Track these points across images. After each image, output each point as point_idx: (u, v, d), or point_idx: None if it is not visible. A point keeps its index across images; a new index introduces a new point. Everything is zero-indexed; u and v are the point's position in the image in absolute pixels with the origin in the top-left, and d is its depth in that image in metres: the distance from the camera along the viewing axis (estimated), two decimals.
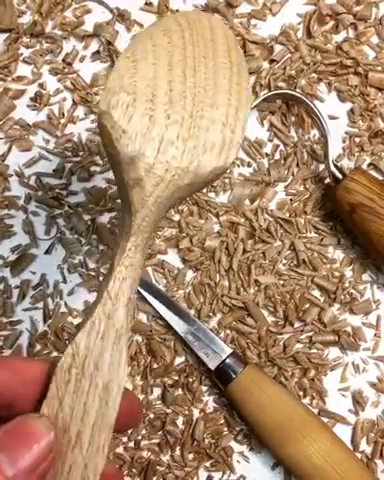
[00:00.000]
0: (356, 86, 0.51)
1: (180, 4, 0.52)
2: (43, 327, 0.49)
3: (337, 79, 0.51)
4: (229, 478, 0.48)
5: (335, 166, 0.47)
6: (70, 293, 0.50)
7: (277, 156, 0.51)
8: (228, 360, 0.46)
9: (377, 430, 0.47)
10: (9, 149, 0.51)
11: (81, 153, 0.51)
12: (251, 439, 0.48)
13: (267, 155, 0.51)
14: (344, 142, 0.51)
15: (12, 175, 0.51)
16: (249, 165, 0.51)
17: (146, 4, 0.53)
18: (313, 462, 0.43)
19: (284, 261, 0.49)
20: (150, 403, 0.48)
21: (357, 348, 0.48)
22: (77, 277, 0.50)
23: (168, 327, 0.49)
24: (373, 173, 0.49)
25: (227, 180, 0.50)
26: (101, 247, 0.50)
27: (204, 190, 0.50)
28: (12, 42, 0.52)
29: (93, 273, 0.50)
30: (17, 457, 0.25)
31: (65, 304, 0.50)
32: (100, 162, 0.51)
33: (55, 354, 0.49)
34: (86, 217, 0.50)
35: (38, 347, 0.49)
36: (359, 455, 0.47)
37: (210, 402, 0.48)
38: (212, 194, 0.50)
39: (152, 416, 0.48)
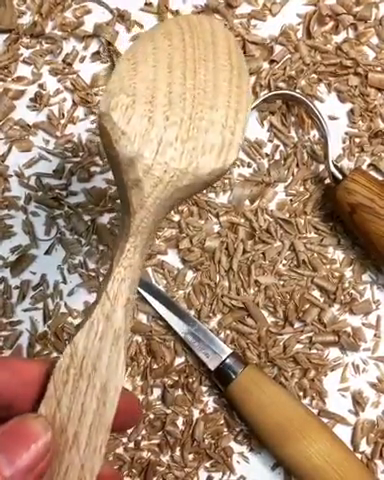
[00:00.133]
0: (356, 86, 0.51)
1: (180, 4, 0.52)
2: (43, 327, 0.49)
3: (337, 79, 0.51)
4: (229, 478, 0.47)
5: (335, 166, 0.47)
6: (70, 293, 0.50)
7: (277, 156, 0.51)
8: (228, 360, 0.46)
9: (377, 430, 0.47)
10: (9, 149, 0.51)
11: (81, 154, 0.51)
12: (251, 439, 0.48)
13: (267, 155, 0.51)
14: (344, 142, 0.51)
15: (12, 175, 0.51)
16: (249, 165, 0.51)
17: (146, 4, 0.53)
18: (313, 462, 0.43)
19: (284, 261, 0.49)
20: (150, 403, 0.48)
21: (357, 348, 0.48)
22: (77, 277, 0.50)
23: (168, 327, 0.49)
24: (373, 173, 0.49)
25: (227, 181, 0.50)
26: (101, 247, 0.50)
27: (204, 190, 0.50)
28: (12, 42, 0.52)
29: (93, 274, 0.50)
30: (14, 457, 0.25)
31: (65, 304, 0.50)
32: (100, 163, 0.51)
33: (55, 355, 0.49)
34: (86, 217, 0.50)
35: (38, 347, 0.49)
36: (359, 455, 0.47)
37: (210, 402, 0.48)
38: (212, 194, 0.50)
39: (152, 416, 0.48)
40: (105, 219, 0.50)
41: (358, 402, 0.48)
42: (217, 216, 0.50)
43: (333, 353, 0.48)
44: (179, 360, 0.49)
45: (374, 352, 0.48)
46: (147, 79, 0.30)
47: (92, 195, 0.50)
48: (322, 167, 0.50)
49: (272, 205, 0.50)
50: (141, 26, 0.53)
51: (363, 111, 0.50)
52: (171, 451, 0.48)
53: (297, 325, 0.49)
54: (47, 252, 0.50)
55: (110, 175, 0.50)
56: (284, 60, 0.51)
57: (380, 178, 0.49)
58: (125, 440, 0.48)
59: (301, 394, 0.48)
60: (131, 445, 0.48)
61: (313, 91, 0.51)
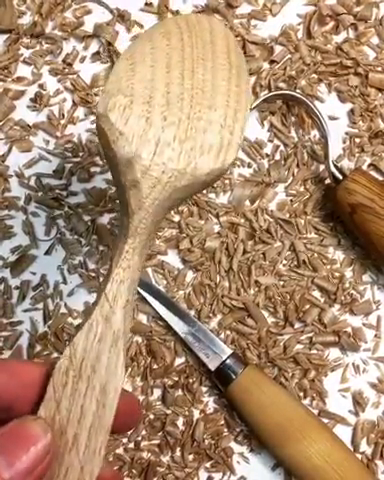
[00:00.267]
0: (356, 87, 0.51)
1: (180, 5, 0.52)
2: (43, 328, 0.49)
3: (337, 79, 0.51)
4: (229, 479, 0.47)
5: (335, 167, 0.47)
6: (70, 294, 0.50)
7: (277, 157, 0.51)
8: (228, 361, 0.46)
9: (377, 431, 0.47)
10: (9, 150, 0.51)
11: (81, 154, 0.51)
12: (251, 440, 0.48)
13: (267, 156, 0.51)
14: (344, 143, 0.50)
15: (12, 176, 0.51)
16: (249, 166, 0.51)
17: (146, 5, 0.53)
18: (313, 463, 0.43)
19: (284, 262, 0.49)
20: (150, 404, 0.48)
21: (357, 349, 0.48)
22: (77, 278, 0.50)
23: (168, 328, 0.49)
24: (373, 174, 0.49)
25: (227, 181, 0.50)
26: (101, 248, 0.50)
27: (204, 191, 0.50)
28: (12, 43, 0.52)
29: (93, 274, 0.50)
30: (14, 459, 0.25)
31: (65, 305, 0.50)
32: (100, 163, 0.51)
33: (55, 355, 0.49)
34: (86, 218, 0.50)
35: (38, 348, 0.49)
36: (359, 456, 0.47)
37: (210, 403, 0.48)
38: (212, 195, 0.50)
39: (152, 417, 0.48)
40: (105, 219, 0.50)
41: (358, 402, 0.48)
42: (217, 216, 0.50)
43: (333, 353, 0.48)
44: (179, 360, 0.49)
45: (374, 352, 0.48)
46: (145, 79, 0.30)
47: (92, 195, 0.50)
48: (322, 167, 0.50)
49: (272, 205, 0.50)
50: (141, 26, 0.53)
51: (363, 111, 0.50)
52: (171, 451, 0.48)
53: (297, 325, 0.49)
54: (47, 252, 0.50)
55: (110, 175, 0.50)
56: (284, 60, 0.51)
57: (380, 178, 0.49)
58: (125, 440, 0.48)
59: (301, 394, 0.48)
60: (131, 445, 0.48)
61: (313, 91, 0.51)
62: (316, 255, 0.49)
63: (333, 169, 0.47)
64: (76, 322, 0.49)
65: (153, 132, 0.29)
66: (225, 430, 0.48)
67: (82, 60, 0.52)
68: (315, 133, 0.51)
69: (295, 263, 0.49)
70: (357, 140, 0.50)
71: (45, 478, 0.27)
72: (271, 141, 0.51)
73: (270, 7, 0.52)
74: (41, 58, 0.52)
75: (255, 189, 0.50)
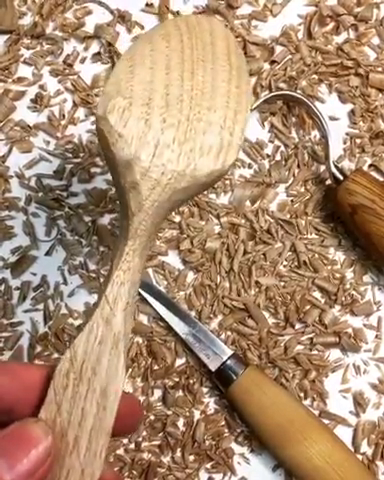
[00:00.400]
0: (357, 87, 0.51)
1: (180, 5, 0.52)
2: (44, 328, 0.49)
3: (338, 80, 0.51)
4: None
5: (336, 167, 0.47)
6: (71, 294, 0.50)
7: (278, 157, 0.51)
8: (229, 362, 0.46)
9: (378, 432, 0.47)
10: (10, 150, 0.51)
11: (81, 154, 0.51)
12: (252, 441, 0.48)
13: (268, 156, 0.51)
14: (345, 143, 0.50)
15: (12, 176, 0.51)
16: (250, 166, 0.51)
17: (147, 5, 0.53)
18: (314, 464, 0.43)
19: (285, 262, 0.49)
20: (151, 405, 0.48)
21: (358, 349, 0.48)
22: (78, 278, 0.50)
23: (169, 328, 0.49)
24: (374, 174, 0.49)
25: (228, 181, 0.50)
26: (102, 248, 0.50)
27: (205, 191, 0.50)
28: (13, 43, 0.52)
29: (94, 275, 0.50)
30: (15, 462, 0.25)
31: (66, 305, 0.50)
32: (100, 164, 0.51)
33: (56, 356, 0.49)
34: (86, 218, 0.50)
35: (39, 349, 0.49)
36: (360, 457, 0.47)
37: (211, 404, 0.48)
38: (213, 195, 0.50)
39: (153, 418, 0.48)
40: (106, 220, 0.50)
41: (359, 403, 0.48)
42: (218, 217, 0.50)
43: (334, 354, 0.48)
44: (180, 361, 0.49)
45: (375, 353, 0.48)
46: (144, 81, 0.30)
47: (93, 196, 0.50)
48: (323, 168, 0.50)
49: (273, 206, 0.50)
50: (142, 27, 0.53)
51: (364, 112, 0.50)
52: (172, 452, 0.48)
53: (298, 326, 0.49)
54: (48, 253, 0.50)
55: (110, 176, 0.50)
56: (285, 61, 0.51)
57: (381, 179, 0.49)
58: (126, 441, 0.48)
59: (302, 395, 0.48)
60: (132, 446, 0.48)
61: (314, 92, 0.51)
62: (317, 256, 0.49)
63: (334, 170, 0.47)
64: (77, 323, 0.49)
65: (152, 134, 0.29)
66: (226, 431, 0.48)
67: (83, 61, 0.52)
68: (316, 134, 0.51)
69: (296, 264, 0.49)
70: (358, 141, 0.50)
71: None
72: (272, 142, 0.51)
73: (271, 8, 0.52)
74: (42, 59, 0.52)
75: (256, 190, 0.50)
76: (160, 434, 0.48)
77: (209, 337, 0.47)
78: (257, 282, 0.49)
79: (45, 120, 0.52)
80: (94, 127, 0.51)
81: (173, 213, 0.50)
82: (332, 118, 0.51)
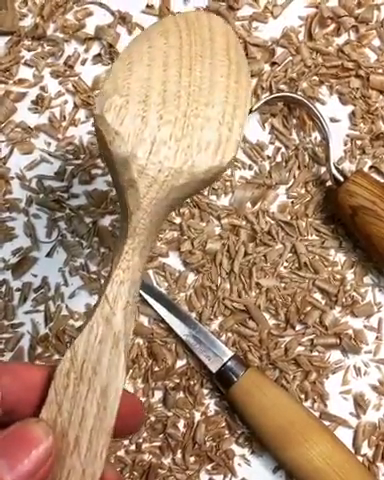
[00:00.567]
0: (357, 89, 0.51)
1: (181, 6, 0.52)
2: (44, 330, 0.49)
3: (338, 82, 0.51)
4: None
5: (336, 169, 0.47)
6: (71, 296, 0.50)
7: (278, 159, 0.51)
8: (229, 363, 0.46)
9: (379, 433, 0.47)
10: (11, 152, 0.51)
11: (82, 156, 0.51)
12: (252, 442, 0.48)
13: (268, 158, 0.51)
14: (345, 145, 0.50)
15: (13, 178, 0.51)
16: (250, 168, 0.51)
17: (147, 7, 0.53)
18: (314, 465, 0.43)
19: (285, 264, 0.49)
20: (151, 406, 0.48)
21: (358, 351, 0.48)
22: (78, 280, 0.50)
23: (169, 330, 0.49)
24: (374, 176, 0.49)
25: (228, 183, 0.50)
26: (102, 250, 0.50)
27: (205, 193, 0.50)
28: (13, 45, 0.52)
29: (94, 276, 0.50)
30: (16, 463, 0.25)
31: (66, 307, 0.50)
32: (101, 165, 0.51)
33: (56, 357, 0.49)
34: (87, 220, 0.50)
35: (39, 350, 0.49)
36: (361, 458, 0.47)
37: (211, 405, 0.48)
38: (213, 197, 0.50)
39: (153, 419, 0.48)
40: (106, 221, 0.50)
41: (359, 405, 0.48)
42: (218, 218, 0.50)
43: (334, 356, 0.48)
44: (180, 363, 0.49)
45: (376, 354, 0.48)
46: (141, 78, 0.30)
47: (93, 197, 0.50)
48: (323, 169, 0.50)
49: (273, 207, 0.50)
50: (142, 28, 0.53)
51: (365, 113, 0.50)
52: (172, 454, 0.48)
53: (298, 327, 0.49)
54: (48, 254, 0.50)
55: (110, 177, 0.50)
56: (285, 62, 0.51)
57: (382, 180, 0.49)
58: (126, 442, 0.48)
59: (302, 397, 0.48)
60: (132, 448, 0.48)
61: (314, 93, 0.51)
62: (317, 257, 0.49)
63: (334, 171, 0.47)
64: (77, 324, 0.49)
65: (149, 131, 0.29)
66: (226, 432, 0.48)
67: (83, 62, 0.52)
68: (316, 135, 0.51)
69: (296, 265, 0.49)
70: (358, 142, 0.50)
71: None
72: (272, 143, 0.51)
73: (271, 9, 0.52)
74: (42, 60, 0.52)
75: (256, 191, 0.50)
76: (161, 435, 0.48)
77: (210, 338, 0.47)
78: (258, 283, 0.49)
79: (46, 121, 0.52)
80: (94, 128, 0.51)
81: (173, 214, 0.50)
82: (333, 120, 0.51)
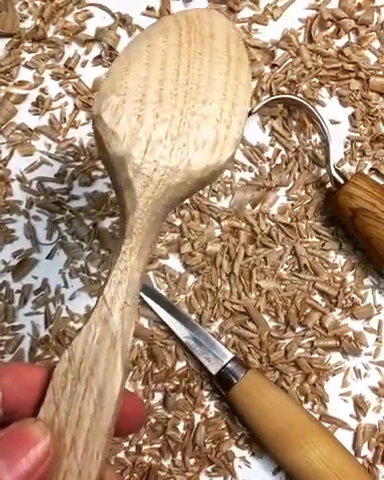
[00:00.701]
0: (358, 91, 0.51)
1: (181, 8, 0.53)
2: (45, 332, 0.49)
3: (338, 84, 0.51)
4: None
5: (336, 171, 0.47)
6: (72, 298, 0.50)
7: (278, 161, 0.51)
8: (229, 365, 0.46)
9: (379, 435, 0.47)
10: (11, 154, 0.51)
11: (82, 158, 0.51)
12: (252, 444, 0.48)
13: (268, 160, 0.51)
14: (345, 147, 0.51)
15: (14, 180, 0.51)
16: (250, 170, 0.51)
17: (148, 9, 0.53)
18: (314, 467, 0.43)
19: (285, 266, 0.49)
20: (151, 408, 0.48)
21: (358, 353, 0.48)
22: (79, 282, 0.50)
23: (169, 332, 0.49)
24: (374, 178, 0.49)
25: (228, 185, 0.50)
26: (103, 252, 0.50)
27: (205, 195, 0.50)
28: (14, 47, 0.52)
29: (95, 278, 0.50)
30: (14, 462, 0.25)
31: (66, 309, 0.50)
32: (101, 167, 0.51)
33: (57, 359, 0.49)
34: (88, 222, 0.50)
35: (39, 352, 0.49)
36: (361, 460, 0.47)
37: (211, 407, 0.48)
38: (213, 199, 0.50)
39: (153, 421, 0.48)
40: (107, 223, 0.50)
41: (359, 407, 0.48)
42: (218, 220, 0.50)
43: (334, 358, 0.48)
44: (180, 364, 0.49)
45: (375, 357, 0.48)
46: (139, 77, 0.30)
47: (94, 199, 0.50)
48: (323, 171, 0.50)
49: (273, 209, 0.50)
50: (143, 30, 0.53)
51: (365, 115, 0.50)
52: (172, 455, 0.48)
53: (298, 330, 0.49)
54: (49, 256, 0.50)
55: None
56: (286, 64, 0.51)
57: (381, 182, 0.49)
58: (126, 444, 0.48)
59: (302, 399, 0.48)
60: (132, 449, 0.48)
61: (315, 95, 0.51)
62: (317, 259, 0.49)
63: (334, 173, 0.47)
64: (77, 326, 0.49)
65: (144, 130, 0.29)
66: (226, 434, 0.48)
67: (84, 64, 0.52)
68: (316, 137, 0.51)
69: (296, 267, 0.49)
70: (358, 144, 0.50)
71: None
72: (272, 145, 0.51)
73: (271, 11, 0.52)
74: (43, 62, 0.52)
75: (256, 193, 0.50)
76: (161, 437, 0.48)
77: (210, 340, 0.47)
78: (258, 285, 0.49)
79: (46, 123, 0.52)
80: None
81: (173, 216, 0.50)
82: (333, 122, 0.51)
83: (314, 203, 0.50)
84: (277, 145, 0.51)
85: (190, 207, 0.50)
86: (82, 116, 0.52)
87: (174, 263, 0.50)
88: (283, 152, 0.51)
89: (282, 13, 0.52)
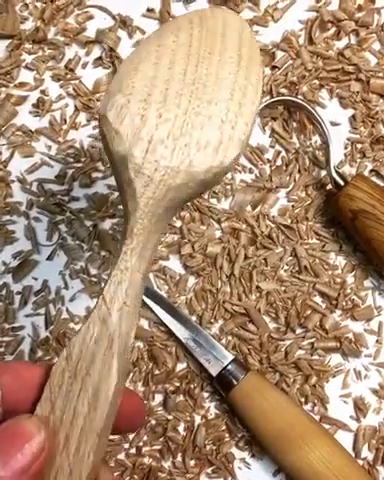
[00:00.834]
0: (358, 92, 0.51)
1: (182, 10, 0.53)
2: (45, 333, 0.49)
3: (339, 85, 0.51)
4: None
5: (337, 172, 0.47)
6: (72, 299, 0.50)
7: (279, 162, 0.51)
8: (230, 366, 0.46)
9: (379, 437, 0.47)
10: (11, 155, 0.51)
11: (83, 159, 0.51)
12: (253, 446, 0.48)
13: (269, 161, 0.51)
14: (346, 148, 0.51)
15: (14, 181, 0.51)
16: (251, 171, 0.51)
17: (148, 10, 0.53)
18: (315, 469, 0.43)
19: (286, 267, 0.49)
20: (152, 409, 0.48)
21: (359, 354, 0.48)
22: (79, 283, 0.50)
23: (170, 333, 0.49)
24: (375, 179, 0.49)
25: (229, 186, 0.50)
26: (103, 253, 0.50)
27: (206, 196, 0.50)
28: (14, 48, 0.52)
29: (95, 279, 0.50)
30: (9, 459, 0.25)
31: (67, 310, 0.50)
32: (102, 168, 0.51)
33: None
34: (88, 223, 0.50)
35: (40, 353, 0.49)
36: (361, 462, 0.47)
37: (212, 408, 0.48)
38: (214, 200, 0.50)
39: (153, 422, 0.48)
40: (107, 225, 0.50)
41: (360, 408, 0.48)
42: (219, 222, 0.50)
43: (335, 359, 0.48)
44: (181, 366, 0.49)
45: (376, 358, 0.48)
46: (146, 77, 0.29)
47: (94, 201, 0.51)
48: (324, 173, 0.50)
49: (274, 211, 0.50)
50: (143, 32, 0.53)
51: (365, 117, 0.50)
52: (172, 457, 0.48)
53: (299, 331, 0.49)
54: (49, 258, 0.50)
55: (112, 180, 0.51)
56: (286, 66, 0.51)
57: (382, 184, 0.49)
58: (127, 446, 0.48)
59: (303, 400, 0.48)
60: (132, 451, 0.48)
61: (315, 97, 0.51)
62: (317, 261, 0.49)
63: (334, 175, 0.47)
64: (78, 327, 0.49)
65: (147, 130, 0.28)
66: (226, 436, 0.48)
67: (84, 66, 0.53)
68: (317, 139, 0.51)
69: (296, 269, 0.49)
70: (358, 146, 0.50)
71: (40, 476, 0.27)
72: (273, 147, 0.51)
73: (272, 13, 0.52)
74: (43, 64, 0.52)
75: (257, 195, 0.50)
76: (161, 439, 0.48)
77: (210, 342, 0.47)
78: (258, 287, 0.49)
79: (47, 125, 0.52)
80: (95, 132, 0.51)
81: (174, 217, 0.50)
82: (333, 123, 0.51)
83: (314, 205, 0.50)
84: (277, 147, 0.51)
85: (190, 208, 0.50)
86: (82, 118, 0.52)
87: (174, 264, 0.50)
88: (283, 154, 0.51)
89: (282, 15, 0.52)
